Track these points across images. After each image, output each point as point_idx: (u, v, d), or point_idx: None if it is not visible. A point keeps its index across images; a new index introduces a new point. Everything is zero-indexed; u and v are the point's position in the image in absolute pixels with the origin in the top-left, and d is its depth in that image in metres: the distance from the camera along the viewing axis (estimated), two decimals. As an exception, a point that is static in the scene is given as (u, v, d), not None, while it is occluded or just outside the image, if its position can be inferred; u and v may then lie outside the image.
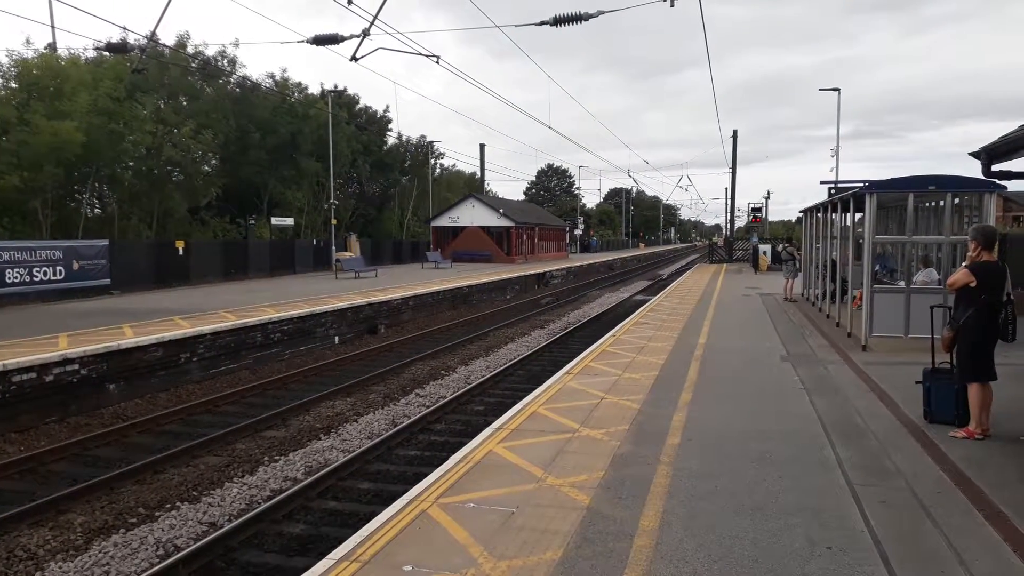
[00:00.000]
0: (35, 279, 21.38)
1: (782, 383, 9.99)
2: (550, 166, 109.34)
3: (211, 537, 7.06)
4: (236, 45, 45.12)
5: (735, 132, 51.63)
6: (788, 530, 5.03)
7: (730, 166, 51.82)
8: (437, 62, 14.58)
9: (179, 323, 15.85)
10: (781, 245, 27.69)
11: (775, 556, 4.63)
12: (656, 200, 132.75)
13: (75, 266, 22.77)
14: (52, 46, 29.51)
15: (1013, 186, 11.54)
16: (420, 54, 14.15)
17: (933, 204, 16.19)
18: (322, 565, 4.63)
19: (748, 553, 4.67)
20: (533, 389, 10.22)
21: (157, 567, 6.46)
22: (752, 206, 55.30)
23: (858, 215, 16.71)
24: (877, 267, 15.29)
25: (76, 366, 12.06)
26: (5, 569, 6.71)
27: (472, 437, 7.93)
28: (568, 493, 5.81)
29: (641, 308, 21.15)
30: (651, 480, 6.05)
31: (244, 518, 7.52)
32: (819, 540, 4.86)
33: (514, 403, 9.47)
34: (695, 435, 7.39)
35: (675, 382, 10.01)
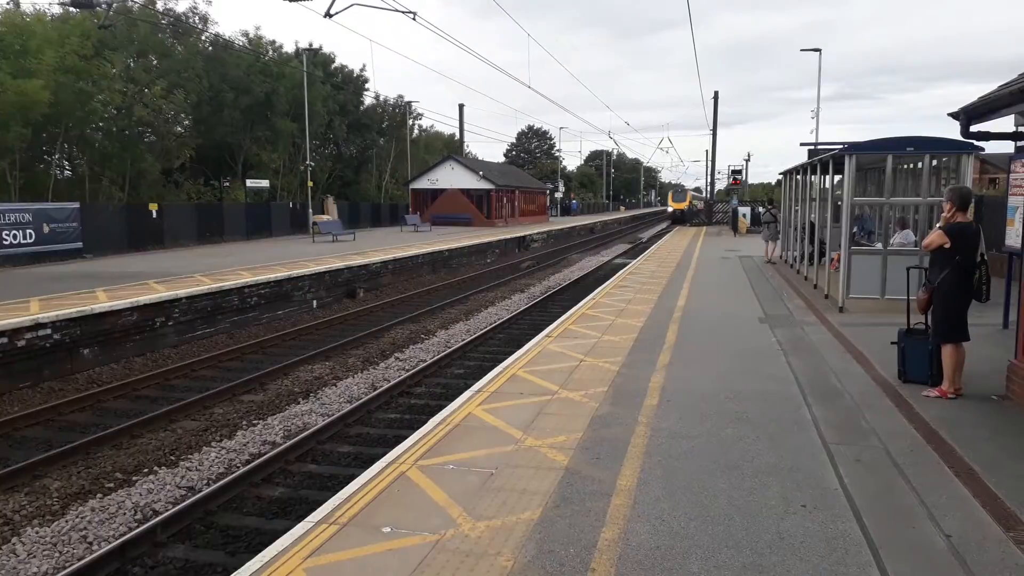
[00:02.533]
0: (4, 243, 20.97)
1: (760, 344, 10.07)
2: (530, 128, 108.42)
3: (189, 501, 7.03)
4: (208, 2, 44.02)
5: (716, 93, 51.57)
6: (763, 488, 5.09)
7: (711, 128, 51.77)
8: (414, 18, 14.30)
9: (154, 287, 15.64)
10: (762, 207, 27.38)
11: (750, 514, 4.68)
12: (637, 162, 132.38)
13: (46, 229, 22.34)
14: (15, 1, 28.58)
15: (991, 148, 11.60)
16: (396, 10, 13.85)
17: (911, 166, 16.26)
18: (300, 528, 4.62)
19: (724, 511, 4.73)
20: (513, 352, 10.22)
21: (135, 531, 6.44)
22: (732, 168, 55.42)
23: (837, 177, 16.74)
24: (855, 229, 15.37)
25: (48, 331, 11.87)
26: (-20, 535, 6.65)
27: (452, 400, 7.93)
28: (546, 454, 5.83)
29: (621, 271, 21.19)
30: (629, 441, 6.09)
31: (223, 482, 7.49)
32: (794, 498, 4.92)
33: (494, 366, 9.47)
34: (673, 396, 7.44)
35: (654, 344, 10.06)
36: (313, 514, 4.82)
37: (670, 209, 69.24)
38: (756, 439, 6.13)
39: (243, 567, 4.14)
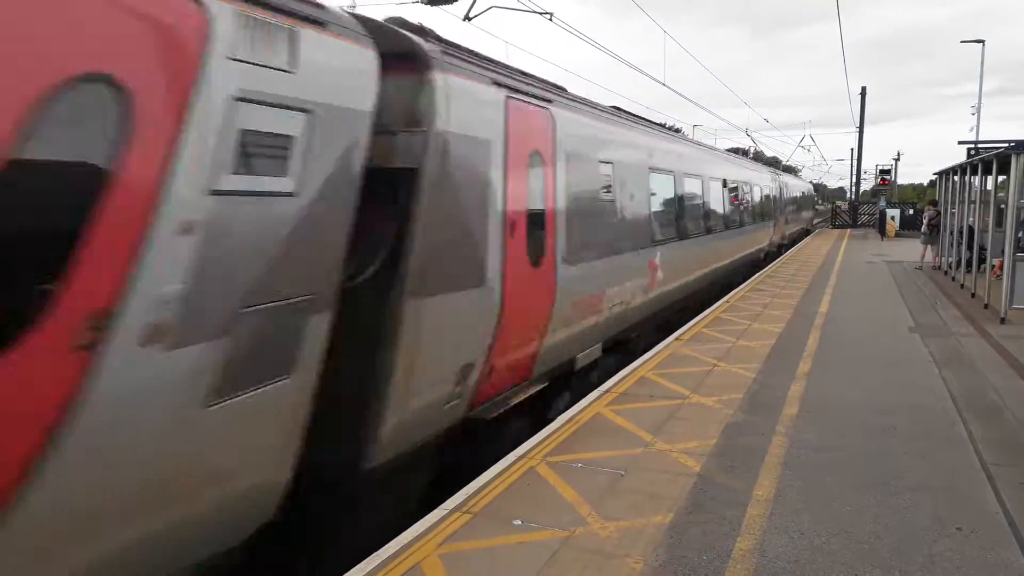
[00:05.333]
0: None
1: (909, 355, 9.45)
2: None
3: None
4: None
5: (863, 89, 48.58)
6: (914, 508, 4.79)
7: (857, 125, 48.92)
8: (551, 19, 14.37)
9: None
10: (930, 205, 24.18)
11: (899, 533, 4.42)
12: (776, 160, 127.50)
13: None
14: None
15: None
16: (534, 11, 13.96)
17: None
18: (436, 514, 4.77)
19: (869, 529, 4.48)
20: (642, 354, 10.10)
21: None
22: (880, 168, 52.10)
23: (1001, 178, 15.45)
24: (1021, 234, 14.13)
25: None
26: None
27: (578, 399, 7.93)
28: (678, 459, 5.73)
29: (757, 274, 20.45)
30: (766, 450, 5.88)
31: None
32: (948, 520, 4.60)
33: (622, 367, 9.40)
34: (814, 406, 7.11)
35: (793, 351, 9.65)
36: (447, 502, 4.97)
37: None
38: (905, 455, 5.77)
39: (381, 549, 4.33)
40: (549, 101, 7.46)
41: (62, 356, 2.87)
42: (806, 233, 40.48)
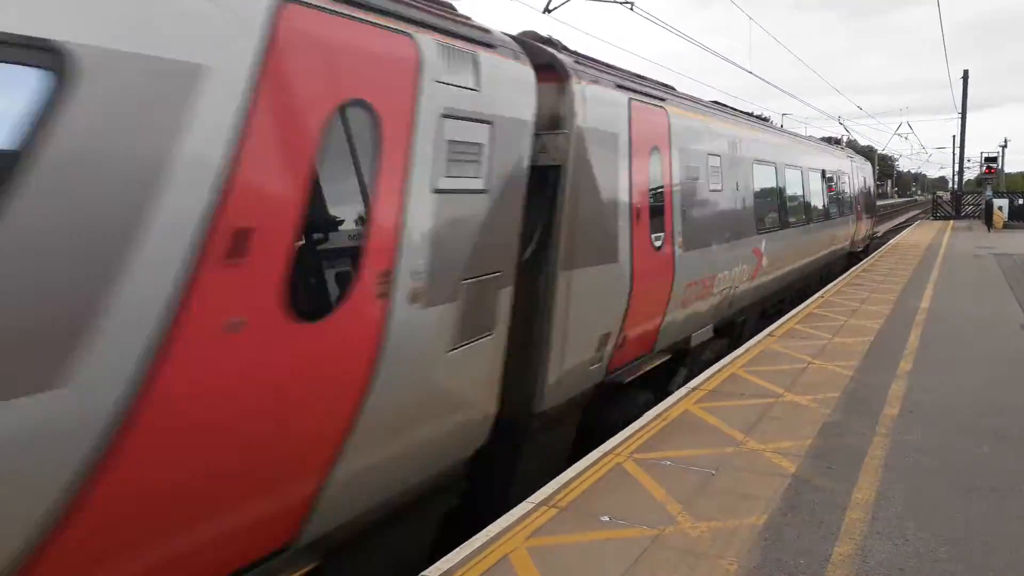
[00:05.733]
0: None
1: (1021, 353, 8.89)
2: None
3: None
4: None
5: (966, 73, 45.87)
6: (1030, 517, 4.50)
7: (959, 111, 46.30)
8: (631, 8, 14.16)
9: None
10: None
11: (1013, 544, 4.16)
12: (870, 150, 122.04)
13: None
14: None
15: None
16: (614, 1, 13.79)
17: None
18: (523, 507, 4.78)
19: (980, 538, 4.24)
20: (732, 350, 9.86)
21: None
22: (986, 156, 49.13)
23: None
24: None
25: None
26: None
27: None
28: (771, 459, 5.57)
29: (853, 268, 19.66)
30: (865, 451, 5.64)
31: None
32: (1070, 532, 4.30)
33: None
34: (917, 406, 6.78)
35: (893, 348, 9.22)
36: (534, 495, 4.97)
37: None
38: (1017, 459, 5.44)
39: (472, 539, 4.37)
40: (663, 100, 7.94)
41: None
42: (850, 262, 21.38)
